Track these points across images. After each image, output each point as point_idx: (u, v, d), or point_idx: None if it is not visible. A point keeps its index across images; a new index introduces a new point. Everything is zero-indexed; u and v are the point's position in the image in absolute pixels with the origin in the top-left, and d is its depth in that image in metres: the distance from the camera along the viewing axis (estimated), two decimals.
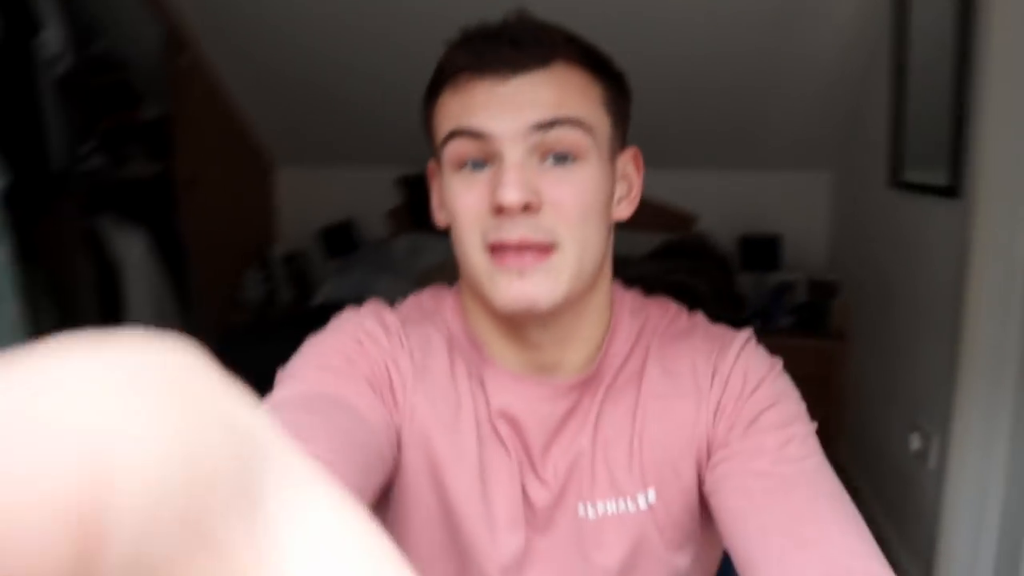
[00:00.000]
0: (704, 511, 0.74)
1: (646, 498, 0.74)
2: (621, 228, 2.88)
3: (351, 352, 0.73)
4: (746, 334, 0.77)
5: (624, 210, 0.78)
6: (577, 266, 0.69)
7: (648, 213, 3.67)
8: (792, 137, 3.37)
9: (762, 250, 3.49)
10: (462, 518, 0.74)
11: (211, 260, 3.75)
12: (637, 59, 2.98)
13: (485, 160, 0.69)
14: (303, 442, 0.59)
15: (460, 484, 0.74)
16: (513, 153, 0.67)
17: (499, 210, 0.67)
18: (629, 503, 0.74)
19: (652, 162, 3.19)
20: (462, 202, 0.70)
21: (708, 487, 0.70)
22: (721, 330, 0.79)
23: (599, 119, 0.72)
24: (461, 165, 0.70)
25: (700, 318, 0.83)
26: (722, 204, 3.71)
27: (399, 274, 3.67)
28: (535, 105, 0.67)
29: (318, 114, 3.77)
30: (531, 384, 0.76)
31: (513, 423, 0.75)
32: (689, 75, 3.08)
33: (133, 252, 3.27)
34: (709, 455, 0.72)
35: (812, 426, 0.71)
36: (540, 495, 0.75)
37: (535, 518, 0.75)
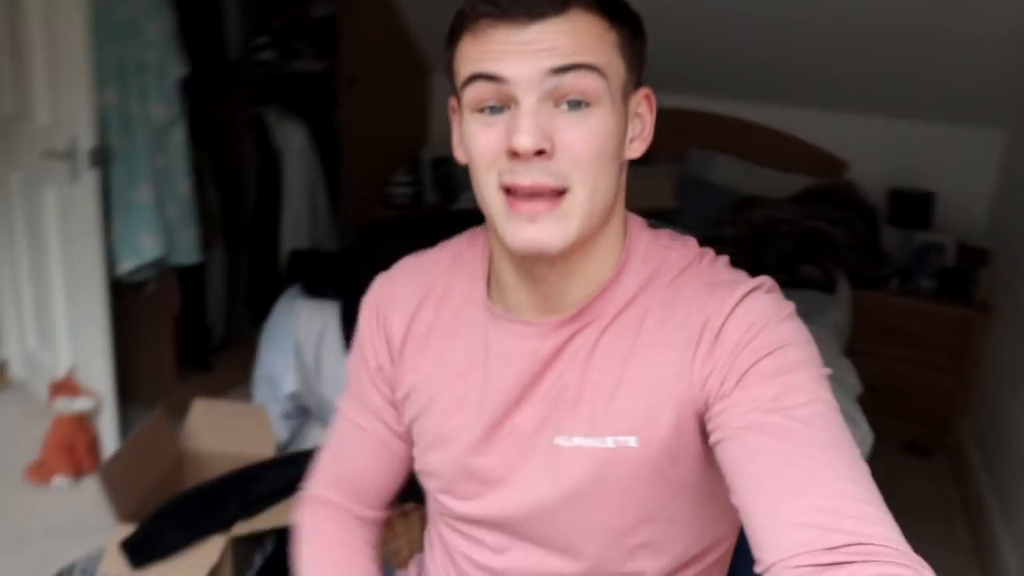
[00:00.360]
0: (712, 466, 0.76)
1: (624, 441, 0.76)
2: (764, 166, 2.83)
3: (362, 375, 0.95)
4: (754, 283, 0.76)
5: (636, 149, 0.81)
6: (588, 208, 0.73)
7: (796, 154, 3.60)
8: (963, 88, 3.13)
9: (913, 206, 3.30)
10: (454, 445, 0.86)
11: (365, 156, 3.96)
12: None
13: (502, 104, 0.72)
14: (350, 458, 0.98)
15: (455, 416, 0.86)
16: (529, 98, 0.70)
17: (514, 154, 0.70)
18: (603, 441, 0.77)
19: (805, 102, 3.11)
20: (479, 144, 0.73)
21: (712, 440, 0.71)
22: (731, 277, 0.78)
23: (613, 64, 0.74)
24: (480, 108, 0.73)
25: (720, 264, 0.81)
26: (875, 153, 3.51)
27: None
28: (551, 51, 0.70)
29: None
30: (523, 324, 0.81)
31: (504, 358, 0.82)
32: (848, 10, 2.92)
33: (294, 142, 3.50)
34: (708, 407, 0.72)
35: (819, 371, 0.71)
36: (523, 422, 0.81)
37: (516, 441, 0.82)
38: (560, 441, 0.79)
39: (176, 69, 2.56)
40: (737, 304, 0.74)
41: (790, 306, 0.76)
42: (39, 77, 2.44)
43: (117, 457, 1.96)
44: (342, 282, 2.20)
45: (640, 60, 0.79)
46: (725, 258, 0.83)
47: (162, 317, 2.82)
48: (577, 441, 0.78)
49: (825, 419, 0.66)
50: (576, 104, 0.71)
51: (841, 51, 3.12)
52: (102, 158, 2.32)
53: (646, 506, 0.78)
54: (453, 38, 0.77)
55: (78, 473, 2.41)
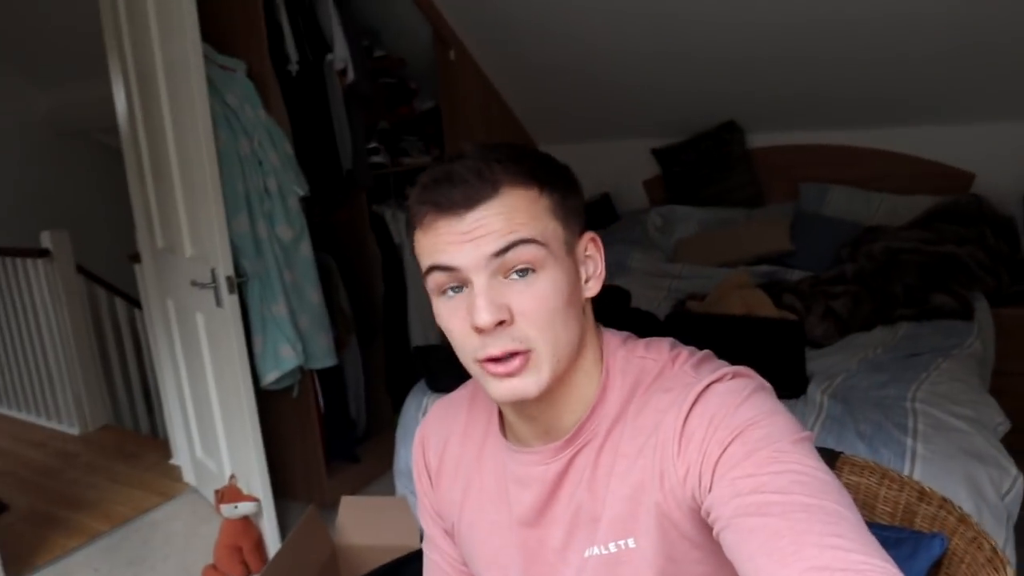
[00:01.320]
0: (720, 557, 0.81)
1: (624, 544, 0.84)
2: (886, 192, 2.75)
3: (423, 513, 1.06)
4: (713, 376, 0.81)
5: (592, 288, 0.88)
6: (554, 357, 0.81)
7: (915, 173, 3.48)
8: None
9: None
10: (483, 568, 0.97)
11: None
12: (903, 14, 2.84)
13: (460, 283, 0.81)
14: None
15: (482, 543, 0.96)
16: (480, 279, 0.79)
17: (479, 330, 0.79)
18: (607, 548, 0.85)
19: (922, 119, 3.01)
20: (450, 327, 0.83)
21: (714, 535, 0.74)
22: (693, 377, 0.83)
23: (549, 227, 0.82)
24: (442, 291, 0.83)
25: (689, 365, 0.86)
26: (1003, 160, 3.33)
27: (650, 248, 3.78)
28: (489, 236, 0.79)
29: (572, 95, 3.95)
30: (529, 453, 0.90)
31: (521, 484, 0.91)
32: (959, 24, 2.84)
33: None
34: (698, 504, 0.77)
35: (791, 438, 0.74)
36: (550, 540, 0.90)
37: (547, 556, 0.91)
38: (587, 554, 0.86)
39: (295, 191, 2.79)
40: (694, 403, 0.79)
41: (750, 385, 0.80)
42: (181, 215, 2.72)
43: (275, 561, 2.12)
44: (462, 374, 2.30)
45: (576, 213, 0.86)
46: (698, 356, 0.88)
47: (309, 417, 3.03)
48: (596, 551, 0.86)
49: (802, 483, 0.69)
50: (523, 272, 0.80)
51: (957, 62, 3.04)
52: (237, 284, 2.55)
53: None
54: (410, 231, 0.86)
55: (247, 573, 2.61)
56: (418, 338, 3.65)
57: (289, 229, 2.77)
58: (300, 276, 2.82)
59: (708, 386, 0.80)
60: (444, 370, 2.37)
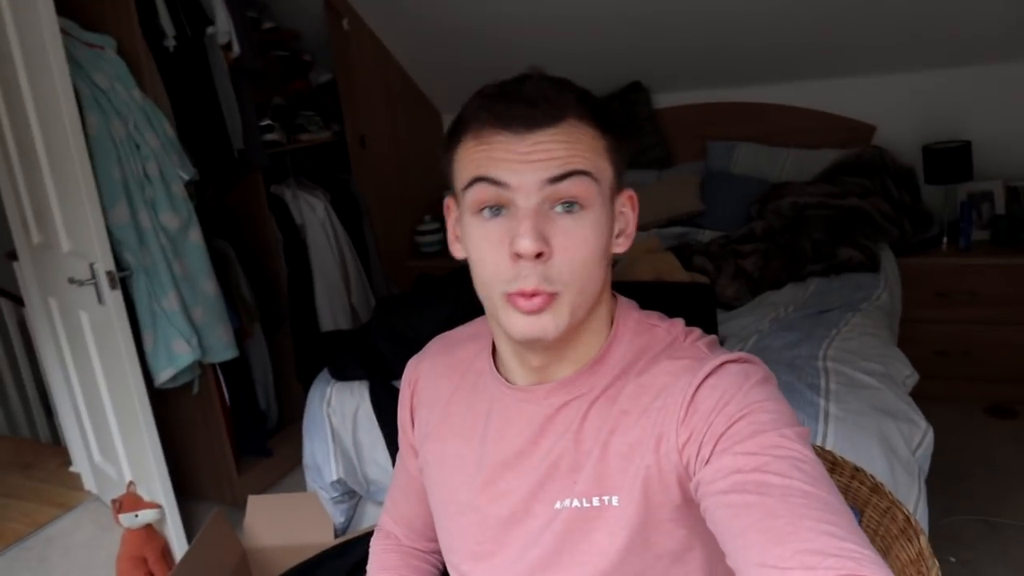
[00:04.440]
0: (690, 537, 0.82)
1: (607, 500, 0.82)
2: (793, 147, 2.77)
3: (403, 440, 1.07)
4: (728, 357, 0.81)
5: (622, 244, 0.88)
6: (577, 303, 0.80)
7: (819, 128, 3.49)
8: (988, 27, 2.98)
9: (950, 159, 3.14)
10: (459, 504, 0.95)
11: (389, 212, 3.98)
12: None
13: (501, 204, 0.78)
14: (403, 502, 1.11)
15: (445, 477, 0.96)
16: (529, 202, 0.76)
17: (516, 255, 0.76)
18: (590, 501, 0.83)
19: (820, 73, 3.04)
20: (482, 250, 0.80)
21: (701, 508, 0.74)
22: (707, 353, 0.84)
23: (604, 168, 0.81)
24: (480, 208, 0.79)
25: (702, 343, 0.86)
26: (902, 112, 3.37)
27: None
28: (548, 162, 0.76)
29: (473, 60, 3.83)
30: (520, 390, 0.89)
31: (506, 421, 0.90)
32: None
33: (314, 213, 3.54)
34: (690, 475, 0.76)
35: (794, 429, 0.74)
36: (518, 486, 0.88)
37: (511, 504, 0.89)
38: (559, 505, 0.85)
39: (180, 176, 2.60)
40: (708, 375, 0.78)
41: (761, 372, 0.80)
42: (54, 208, 2.52)
43: (180, 569, 1.99)
44: (366, 360, 2.19)
45: (625, 164, 0.85)
46: (710, 338, 0.88)
47: (213, 413, 2.87)
48: (570, 503, 0.84)
49: (802, 471, 0.69)
50: (570, 205, 0.78)
51: (844, 14, 3.03)
52: (119, 279, 2.37)
53: (631, 569, 0.82)
54: (453, 140, 0.83)
55: None
56: (327, 324, 3.51)
57: (175, 217, 2.59)
58: (191, 266, 2.64)
59: (723, 364, 0.80)
60: (347, 357, 2.26)
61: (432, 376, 1.01)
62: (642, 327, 0.89)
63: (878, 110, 3.42)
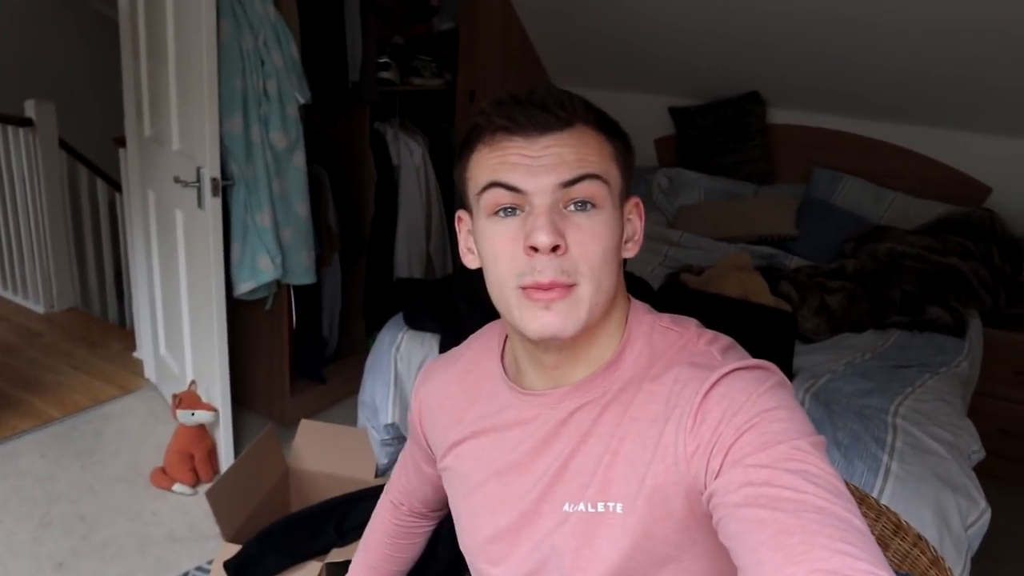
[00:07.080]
0: (695, 546, 0.80)
1: (612, 507, 0.82)
2: (897, 190, 2.69)
3: (411, 434, 1.11)
4: (740, 364, 0.79)
5: (631, 250, 0.89)
6: (594, 299, 0.81)
7: (932, 178, 3.38)
8: None
9: None
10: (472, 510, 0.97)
11: None
12: (940, 20, 2.71)
13: (516, 206, 0.80)
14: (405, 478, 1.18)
15: (462, 482, 0.97)
16: (543, 201, 0.79)
17: (532, 250, 0.78)
18: (594, 507, 0.83)
19: (946, 122, 2.93)
20: (497, 245, 0.81)
21: (713, 522, 0.73)
22: (719, 359, 0.82)
23: (612, 172, 0.83)
24: (495, 211, 0.81)
25: (715, 346, 0.85)
26: (1022, 177, 3.26)
27: (651, 210, 3.68)
28: (560, 166, 0.79)
29: (598, 39, 3.80)
30: (533, 395, 0.90)
31: (518, 426, 0.91)
32: (990, 32, 2.71)
33: (412, 157, 3.58)
34: (701, 488, 0.75)
35: (808, 438, 0.72)
36: (531, 488, 0.89)
37: (522, 505, 0.90)
38: (568, 508, 0.85)
39: (296, 98, 2.65)
40: (717, 382, 0.77)
41: (773, 378, 0.78)
42: (172, 105, 2.59)
43: (225, 479, 2.07)
44: (442, 315, 2.22)
45: (631, 171, 0.88)
46: (724, 341, 0.86)
47: (280, 332, 2.95)
48: (578, 508, 0.84)
49: (817, 485, 0.67)
50: (583, 205, 0.80)
51: (986, 65, 2.91)
52: (222, 188, 2.44)
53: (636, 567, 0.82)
54: (466, 150, 0.85)
55: (195, 482, 2.57)
56: (402, 268, 3.56)
57: (284, 137, 2.64)
58: (289, 187, 2.70)
59: (733, 371, 0.78)
60: (423, 307, 2.29)
61: (442, 383, 1.03)
62: (655, 330, 0.88)
63: (998, 172, 3.30)
